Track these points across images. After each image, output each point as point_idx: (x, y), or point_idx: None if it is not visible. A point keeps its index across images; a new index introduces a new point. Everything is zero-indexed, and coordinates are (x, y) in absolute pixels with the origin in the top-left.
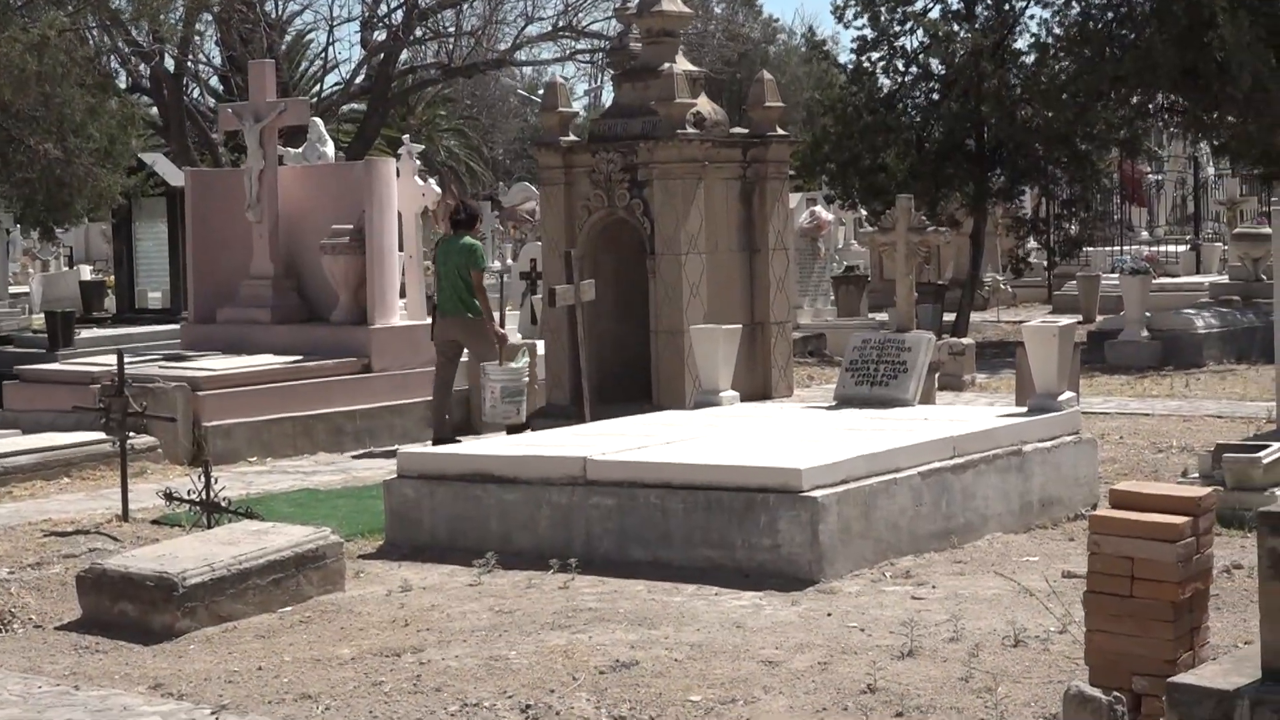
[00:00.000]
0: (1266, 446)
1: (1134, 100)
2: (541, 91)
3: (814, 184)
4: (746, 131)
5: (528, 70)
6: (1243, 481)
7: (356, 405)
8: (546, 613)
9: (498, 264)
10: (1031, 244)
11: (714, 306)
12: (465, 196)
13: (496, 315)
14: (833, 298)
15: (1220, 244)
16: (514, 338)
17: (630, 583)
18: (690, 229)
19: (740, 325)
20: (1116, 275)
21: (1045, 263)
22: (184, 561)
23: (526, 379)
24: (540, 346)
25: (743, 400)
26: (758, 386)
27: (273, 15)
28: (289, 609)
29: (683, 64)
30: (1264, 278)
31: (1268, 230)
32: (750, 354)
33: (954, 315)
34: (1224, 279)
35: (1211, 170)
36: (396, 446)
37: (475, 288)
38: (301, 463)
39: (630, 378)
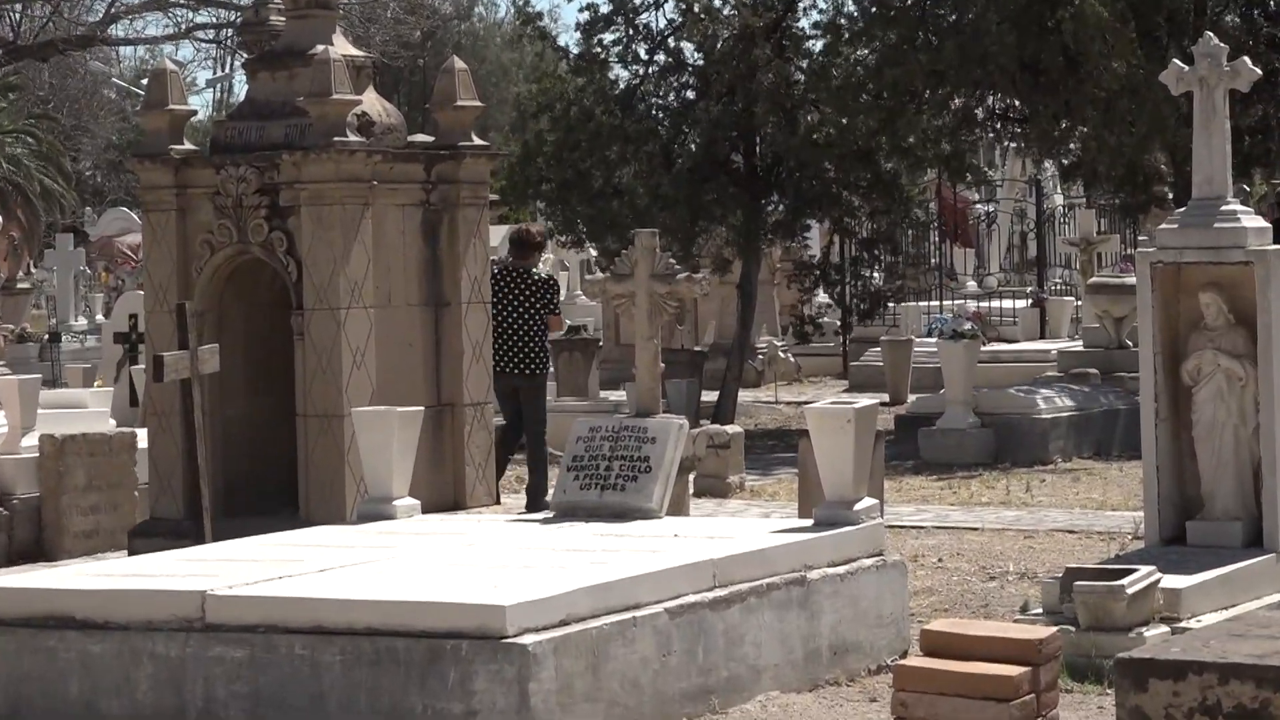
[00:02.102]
0: (1132, 571)
1: (956, 103)
2: (146, 82)
3: (525, 212)
4: (432, 140)
5: (127, 51)
6: (1100, 619)
7: None
8: None
9: (84, 321)
10: (821, 298)
11: (386, 381)
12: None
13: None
14: (551, 369)
15: (1072, 298)
16: (106, 424)
17: None
18: (352, 274)
19: (422, 407)
20: (934, 340)
21: (839, 323)
22: None
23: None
24: (143, 436)
25: (426, 511)
26: (447, 492)
27: None
28: None
29: (343, 46)
30: (1129, 344)
31: (1133, 280)
32: (437, 447)
33: (716, 394)
34: (1077, 345)
35: (1060, 199)
36: None
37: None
38: None
39: (269, 480)
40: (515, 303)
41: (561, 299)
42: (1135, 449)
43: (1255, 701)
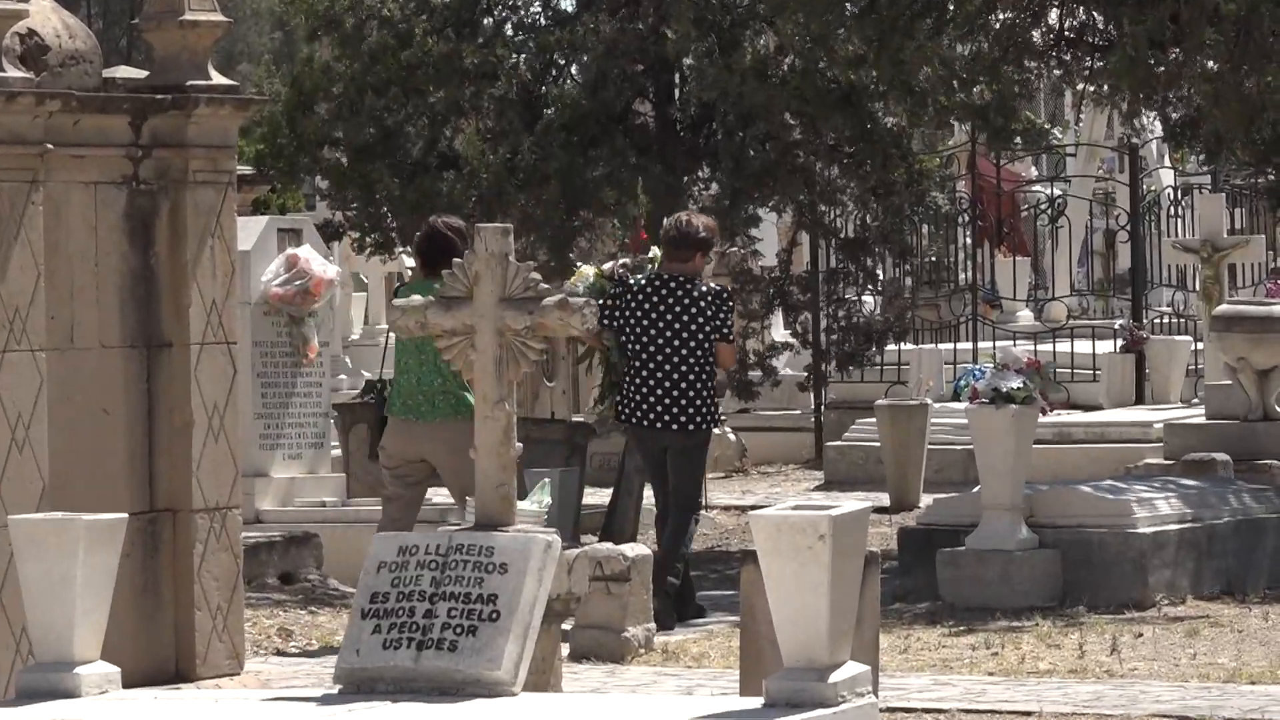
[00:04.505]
0: None
1: (999, 19)
2: None
3: (295, 194)
4: (144, 77)
5: None
6: None
7: None
8: None
9: None
10: (778, 334)
11: (67, 471)
12: (445, 216)
13: None
14: (338, 450)
15: (1188, 338)
16: None
17: None
18: (10, 296)
19: (126, 514)
20: (964, 405)
21: (807, 374)
22: None
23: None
24: None
25: (132, 682)
26: (164, 653)
27: None
28: None
29: None
30: (1279, 409)
31: None
32: (148, 578)
33: (609, 493)
34: (1195, 414)
35: (1168, 176)
36: None
37: None
38: None
39: None
40: (667, 325)
41: (732, 321)
42: None
43: None
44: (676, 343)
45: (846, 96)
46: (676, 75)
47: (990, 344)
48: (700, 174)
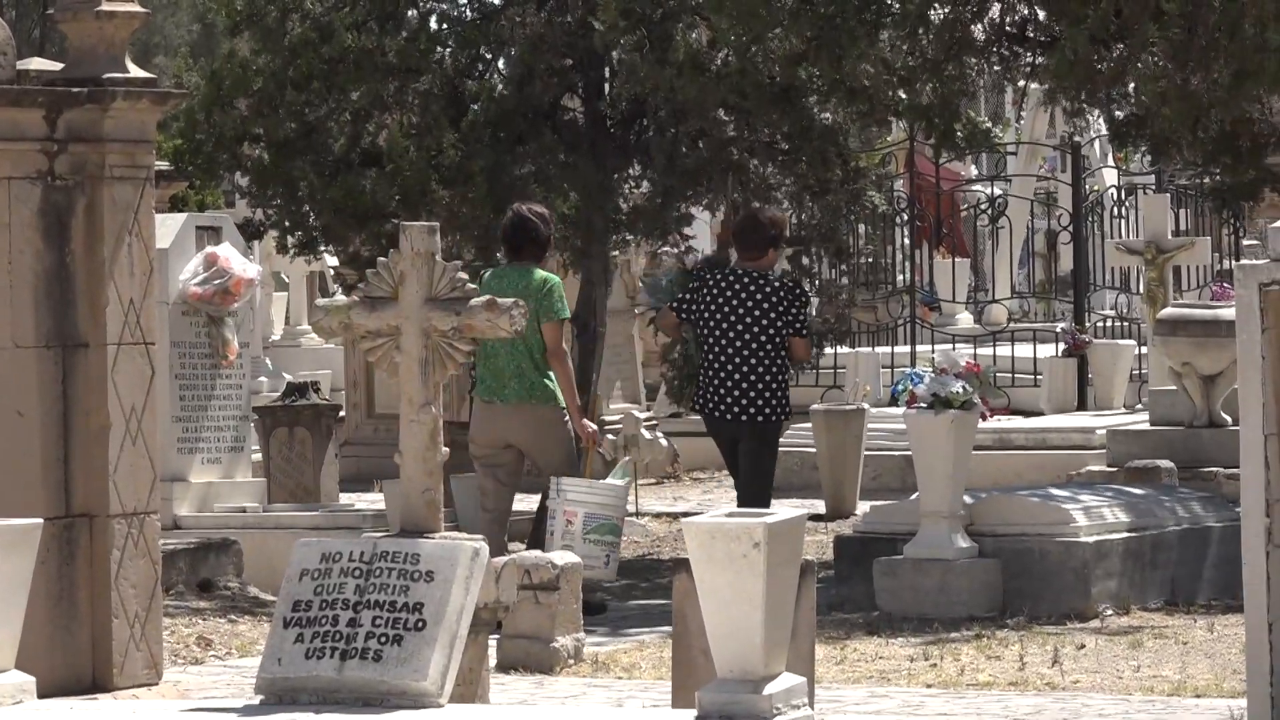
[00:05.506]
0: None
1: (938, 15)
2: None
3: (214, 191)
4: (59, 70)
5: None
6: None
7: None
8: None
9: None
10: None
11: None
12: (529, 203)
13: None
14: (259, 454)
15: (1132, 342)
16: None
17: None
18: None
19: (41, 520)
20: (901, 410)
21: None
22: None
23: (627, 507)
24: None
25: (47, 693)
26: (80, 662)
27: None
28: None
29: None
30: (1225, 418)
31: (1229, 313)
32: (66, 587)
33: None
34: (1138, 420)
35: (1112, 176)
36: None
37: (553, 352)
38: None
39: None
40: (739, 318)
41: (805, 315)
42: (1234, 594)
43: None
44: (748, 336)
45: (784, 92)
46: (606, 70)
47: (929, 347)
48: (631, 171)
